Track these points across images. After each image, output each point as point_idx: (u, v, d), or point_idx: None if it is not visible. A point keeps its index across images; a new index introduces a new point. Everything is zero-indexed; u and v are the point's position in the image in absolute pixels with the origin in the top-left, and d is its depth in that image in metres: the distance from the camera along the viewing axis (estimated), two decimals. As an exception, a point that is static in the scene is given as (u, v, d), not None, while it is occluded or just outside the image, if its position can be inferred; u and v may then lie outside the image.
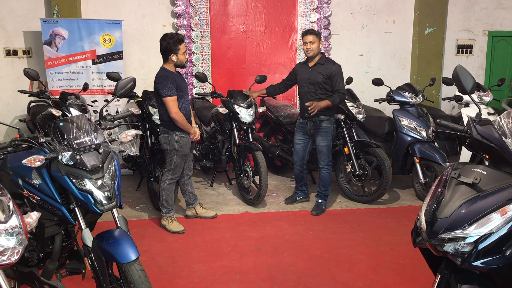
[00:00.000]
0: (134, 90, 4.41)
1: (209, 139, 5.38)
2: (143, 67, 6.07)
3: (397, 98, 5.01)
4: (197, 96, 5.72)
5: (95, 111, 5.45)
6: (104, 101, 5.64)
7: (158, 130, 4.50)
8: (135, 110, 4.75)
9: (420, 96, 5.00)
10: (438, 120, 2.37)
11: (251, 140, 4.82)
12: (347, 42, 6.44)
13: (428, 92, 6.06)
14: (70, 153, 2.26)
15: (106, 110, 4.13)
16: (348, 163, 4.74)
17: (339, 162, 4.90)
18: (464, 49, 6.70)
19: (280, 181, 5.60)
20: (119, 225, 2.45)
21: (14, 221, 1.61)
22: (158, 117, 4.57)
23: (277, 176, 5.80)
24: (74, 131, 2.33)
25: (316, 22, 6.20)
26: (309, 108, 4.22)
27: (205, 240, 3.91)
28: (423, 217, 2.05)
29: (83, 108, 4.57)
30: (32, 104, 5.46)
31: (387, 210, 4.63)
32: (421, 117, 4.89)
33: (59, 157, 2.26)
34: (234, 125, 4.80)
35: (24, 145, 2.36)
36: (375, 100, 5.24)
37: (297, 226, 4.20)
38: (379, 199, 4.77)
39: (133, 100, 5.26)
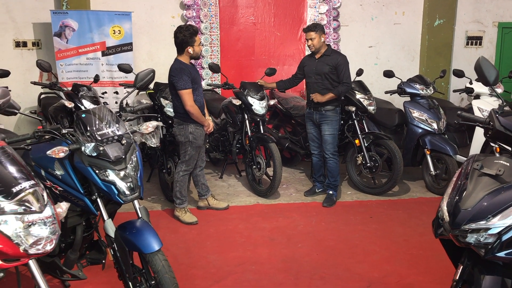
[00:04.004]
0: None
1: (219, 131, 5.39)
2: (152, 59, 6.06)
3: (408, 90, 5.02)
4: (206, 87, 5.72)
5: (105, 103, 5.46)
6: (115, 92, 5.66)
7: (170, 122, 4.53)
8: (146, 101, 4.80)
9: (431, 88, 5.01)
10: (459, 112, 2.38)
11: (262, 132, 4.83)
12: (356, 34, 6.42)
13: (437, 84, 6.04)
14: (93, 144, 2.27)
15: (121, 103, 4.13)
16: (359, 155, 4.76)
17: (349, 154, 4.92)
18: (474, 40, 6.67)
19: (289, 173, 5.62)
20: (140, 216, 2.48)
21: (48, 211, 1.63)
22: (169, 109, 4.60)
23: (286, 168, 5.82)
24: (97, 122, 2.34)
25: (325, 14, 6.18)
26: (311, 97, 4.41)
27: (219, 231, 3.93)
28: (445, 208, 2.06)
29: (95, 100, 4.59)
30: (43, 96, 5.48)
31: (398, 202, 4.65)
32: (432, 109, 4.90)
33: (82, 148, 2.28)
34: (246, 117, 4.81)
35: (47, 136, 2.37)
36: (386, 92, 5.25)
37: (309, 217, 4.23)
38: (390, 191, 4.79)
39: (143, 92, 5.26)
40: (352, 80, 4.89)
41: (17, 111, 2.29)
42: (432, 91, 5.02)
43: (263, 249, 3.58)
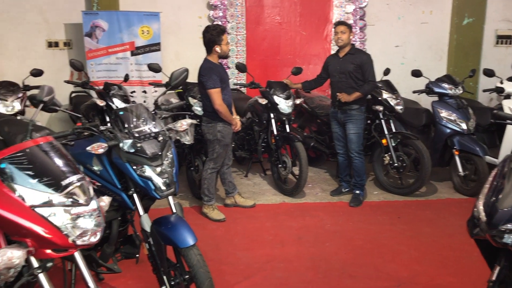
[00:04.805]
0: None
1: (244, 129, 5.42)
2: (179, 59, 6.13)
3: (437, 89, 4.97)
4: (232, 87, 5.76)
5: (133, 102, 5.56)
6: (144, 91, 5.76)
7: (198, 120, 4.59)
8: (175, 100, 4.88)
9: (460, 87, 4.95)
10: (494, 111, 2.35)
11: (288, 131, 4.84)
12: (383, 33, 6.38)
13: (465, 83, 5.94)
14: (131, 141, 2.34)
15: (156, 101, 4.19)
16: (386, 155, 4.73)
17: (376, 153, 4.89)
18: (504, 39, 6.53)
19: (314, 172, 5.62)
20: (174, 211, 2.53)
21: (94, 204, 1.69)
22: (197, 108, 4.67)
23: (311, 167, 5.80)
24: (134, 119, 2.41)
25: (351, 13, 6.15)
26: (337, 96, 4.40)
27: (246, 228, 3.97)
28: (481, 208, 2.04)
29: (125, 99, 4.69)
30: (74, 94, 5.63)
31: (425, 202, 4.61)
32: (461, 108, 4.84)
33: (121, 144, 2.34)
34: (272, 116, 4.83)
35: (86, 133, 2.45)
36: (414, 92, 5.20)
37: (336, 217, 4.23)
38: (417, 191, 4.74)
39: (170, 91, 5.34)
40: (379, 79, 4.88)
41: (59, 108, 2.37)
42: (461, 91, 4.96)
43: (291, 247, 3.60)
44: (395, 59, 6.41)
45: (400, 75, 6.23)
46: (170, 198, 2.53)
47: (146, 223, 2.43)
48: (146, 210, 2.81)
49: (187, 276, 2.42)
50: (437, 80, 5.04)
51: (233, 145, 5.37)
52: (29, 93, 4.84)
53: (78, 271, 2.57)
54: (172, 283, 2.44)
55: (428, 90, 5.03)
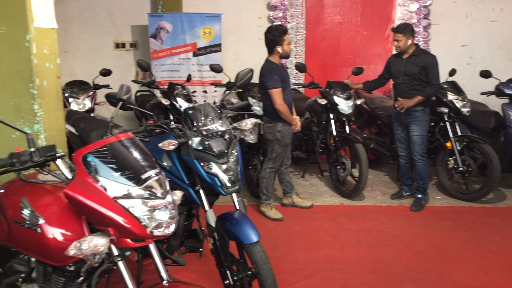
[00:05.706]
0: (232, 81, 4.61)
1: (302, 130, 5.41)
2: (238, 60, 6.24)
3: (508, 91, 4.73)
4: (291, 87, 5.77)
5: (194, 101, 5.73)
6: (204, 91, 5.91)
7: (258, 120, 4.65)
8: (235, 100, 4.97)
9: (534, 89, 4.67)
10: None
11: (347, 132, 4.79)
12: (448, 32, 6.13)
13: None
14: (199, 138, 2.42)
15: (222, 101, 4.27)
16: (451, 158, 4.55)
17: (440, 157, 4.72)
18: None
19: (374, 175, 5.51)
20: (238, 208, 2.59)
21: (169, 197, 1.77)
22: (257, 108, 4.73)
23: (371, 169, 5.66)
24: (202, 118, 2.49)
25: (415, 12, 5.98)
26: (397, 108, 4.30)
27: (304, 229, 3.97)
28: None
29: (188, 98, 4.85)
30: (139, 93, 5.88)
31: (493, 209, 4.39)
32: (535, 112, 4.57)
33: (190, 142, 2.44)
34: (332, 116, 4.79)
35: (157, 130, 2.57)
36: (482, 93, 4.97)
37: (396, 221, 4.13)
38: (484, 197, 4.53)
39: (231, 91, 5.44)
40: (444, 80, 4.71)
41: (134, 107, 2.51)
42: (536, 93, 4.68)
43: (351, 249, 3.56)
44: (461, 59, 6.15)
45: (466, 76, 5.99)
46: (234, 195, 2.59)
47: (212, 218, 2.51)
48: (210, 206, 2.91)
49: (250, 272, 2.47)
50: (508, 81, 4.79)
51: (290, 145, 5.39)
52: (98, 91, 5.14)
53: (145, 261, 2.73)
54: (235, 278, 2.50)
55: (499, 92, 4.79)
